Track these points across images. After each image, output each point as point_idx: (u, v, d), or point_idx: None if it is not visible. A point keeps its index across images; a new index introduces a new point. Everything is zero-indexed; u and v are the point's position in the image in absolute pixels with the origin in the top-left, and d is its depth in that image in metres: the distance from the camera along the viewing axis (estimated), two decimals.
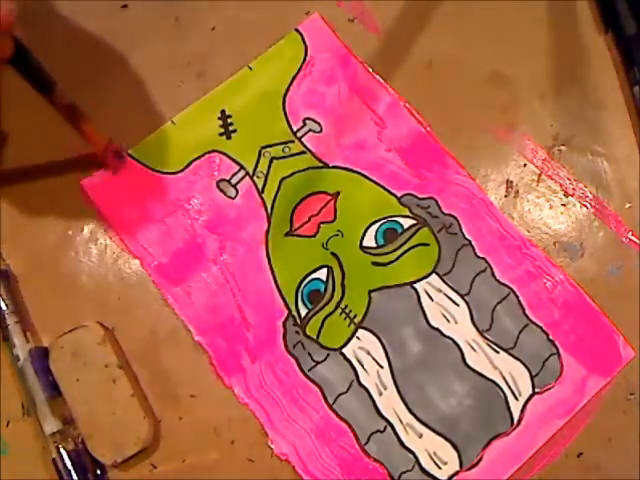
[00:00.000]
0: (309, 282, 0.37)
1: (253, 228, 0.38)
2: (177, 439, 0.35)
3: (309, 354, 0.36)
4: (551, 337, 0.35)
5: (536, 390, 0.35)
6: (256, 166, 0.39)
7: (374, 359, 0.35)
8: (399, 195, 0.38)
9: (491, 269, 0.37)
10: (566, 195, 0.38)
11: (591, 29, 0.41)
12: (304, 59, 0.41)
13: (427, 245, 0.37)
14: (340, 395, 0.35)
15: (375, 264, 0.37)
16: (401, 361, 0.35)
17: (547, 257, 0.37)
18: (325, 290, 0.36)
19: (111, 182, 0.39)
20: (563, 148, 0.39)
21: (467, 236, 0.37)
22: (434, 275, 0.37)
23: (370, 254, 0.37)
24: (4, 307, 0.36)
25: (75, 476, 0.34)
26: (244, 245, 0.38)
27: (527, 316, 0.36)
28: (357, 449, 0.34)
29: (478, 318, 0.36)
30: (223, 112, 0.40)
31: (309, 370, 0.35)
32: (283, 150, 0.39)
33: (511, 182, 0.39)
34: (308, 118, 0.40)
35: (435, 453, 0.34)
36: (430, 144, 0.39)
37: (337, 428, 0.35)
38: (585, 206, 0.38)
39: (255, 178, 0.39)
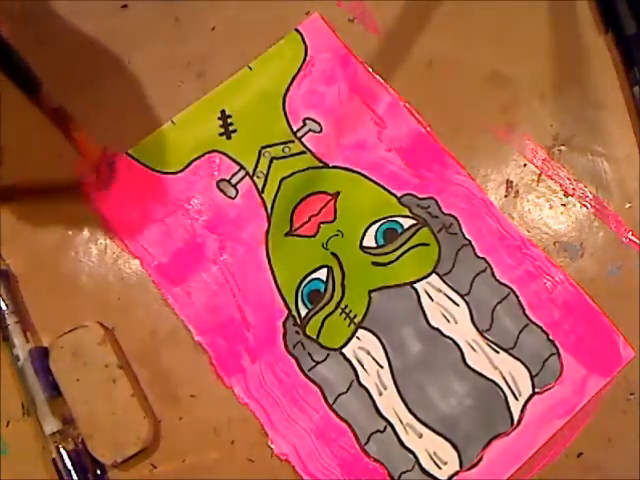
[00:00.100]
0: (309, 282, 0.37)
1: (253, 228, 0.38)
2: (177, 439, 0.35)
3: (309, 354, 0.36)
4: (551, 337, 0.35)
5: (536, 390, 0.35)
6: (256, 166, 0.39)
7: (374, 359, 0.35)
8: (399, 195, 0.38)
9: (491, 269, 0.37)
10: (566, 195, 0.38)
11: (591, 29, 0.41)
12: (304, 59, 0.41)
13: (427, 245, 0.37)
14: (340, 395, 0.35)
15: (375, 264, 0.37)
16: (401, 361, 0.35)
17: (547, 257, 0.37)
18: (325, 290, 0.36)
19: (112, 184, 0.39)
20: (563, 148, 0.39)
21: (467, 236, 0.37)
22: (434, 275, 0.37)
23: (370, 254, 0.37)
24: (4, 307, 0.36)
25: (75, 476, 0.34)
26: (244, 245, 0.38)
27: (527, 316, 0.36)
28: (357, 449, 0.34)
29: (478, 318, 0.36)
30: (223, 112, 0.40)
31: (309, 370, 0.35)
32: (283, 150, 0.39)
33: (511, 182, 0.39)
34: (308, 118, 0.40)
35: (435, 453, 0.34)
36: (430, 144, 0.39)
37: (337, 428, 0.35)
38: (585, 206, 0.38)
39: (255, 178, 0.39)
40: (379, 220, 0.38)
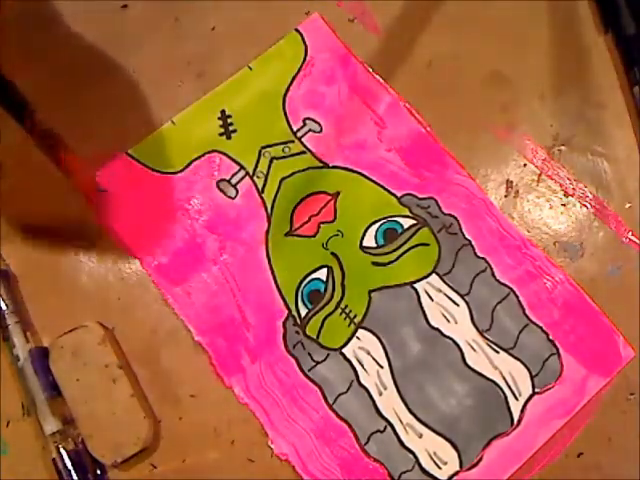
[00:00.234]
0: (309, 282, 0.37)
1: (253, 228, 0.38)
2: (177, 439, 0.35)
3: (309, 354, 0.36)
4: (551, 337, 0.35)
5: (536, 390, 0.35)
6: (256, 166, 0.39)
7: (374, 359, 0.35)
8: (399, 195, 0.38)
9: (491, 269, 0.37)
10: (566, 195, 0.38)
11: (591, 29, 0.41)
12: (304, 59, 0.41)
13: (427, 245, 0.37)
14: (340, 395, 0.35)
15: (375, 264, 0.37)
16: (401, 361, 0.35)
17: (547, 257, 0.37)
18: (325, 290, 0.36)
19: (111, 182, 0.39)
20: (563, 148, 0.39)
21: (467, 236, 0.37)
22: (434, 275, 0.37)
23: (370, 254, 0.37)
24: (4, 307, 0.36)
25: (75, 476, 0.34)
26: (244, 245, 0.38)
27: (527, 316, 0.36)
28: (357, 449, 0.34)
29: (478, 318, 0.36)
30: (223, 112, 0.40)
31: (309, 370, 0.35)
32: (283, 150, 0.39)
33: (511, 182, 0.39)
34: (308, 118, 0.40)
35: (435, 453, 0.34)
36: (430, 144, 0.39)
37: (337, 428, 0.35)
38: (585, 206, 0.38)
39: (255, 178, 0.39)
40: (379, 220, 0.38)
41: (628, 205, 0.38)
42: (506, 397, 0.35)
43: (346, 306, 0.36)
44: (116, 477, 0.35)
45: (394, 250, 0.37)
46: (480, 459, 0.34)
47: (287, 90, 0.40)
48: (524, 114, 0.40)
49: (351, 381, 0.35)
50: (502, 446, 0.34)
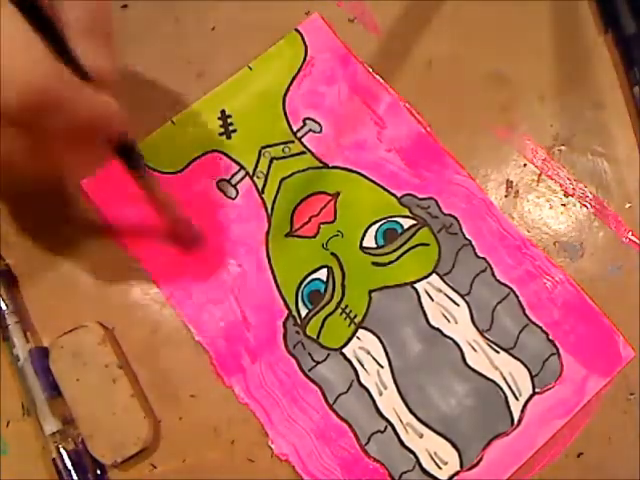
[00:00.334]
0: (309, 282, 0.37)
1: (253, 229, 0.38)
2: (177, 439, 0.35)
3: (309, 354, 0.36)
4: (551, 337, 0.35)
5: (536, 390, 0.35)
6: (256, 166, 0.39)
7: (374, 359, 0.35)
8: (399, 195, 0.38)
9: (491, 269, 0.37)
10: (566, 195, 0.38)
11: (591, 29, 0.41)
12: (304, 59, 0.41)
13: (427, 245, 0.37)
14: (340, 395, 0.35)
15: (375, 264, 0.37)
16: (401, 361, 0.35)
17: (547, 257, 0.37)
18: (325, 290, 0.36)
19: (111, 182, 0.39)
20: (563, 148, 0.39)
21: (467, 236, 0.37)
22: (434, 275, 0.37)
23: (370, 254, 0.37)
24: (4, 307, 0.36)
25: (75, 476, 0.34)
26: (244, 245, 0.38)
27: (527, 316, 0.36)
28: (357, 449, 0.34)
29: (478, 318, 0.36)
30: (223, 112, 0.40)
31: (309, 370, 0.35)
32: (283, 150, 0.39)
33: (511, 182, 0.39)
34: (308, 118, 0.40)
35: (436, 453, 0.34)
36: (430, 144, 0.39)
37: (337, 428, 0.35)
38: (585, 206, 0.38)
39: (255, 178, 0.39)
40: (379, 220, 0.38)
41: (628, 205, 0.38)
42: (506, 397, 0.35)
43: (346, 306, 0.36)
44: (116, 477, 0.35)
45: (394, 250, 0.37)
46: (480, 459, 0.34)
47: (287, 90, 0.40)
48: (524, 114, 0.40)
49: (351, 381, 0.35)
50: (502, 446, 0.34)
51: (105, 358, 0.35)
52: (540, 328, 0.36)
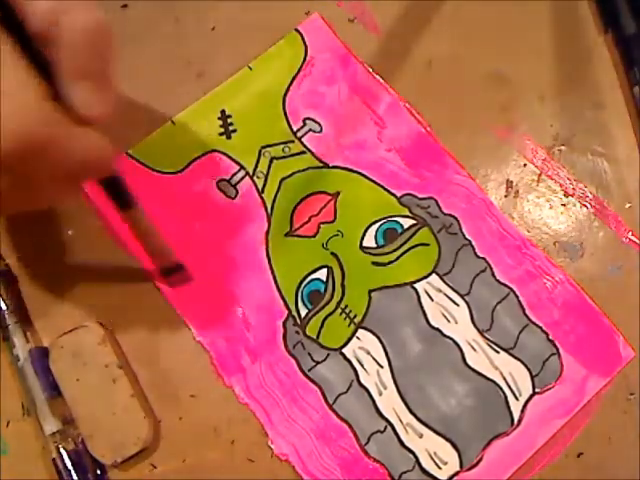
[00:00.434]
0: (309, 282, 0.37)
1: (253, 228, 0.38)
2: (177, 439, 0.35)
3: (309, 354, 0.36)
4: (551, 337, 0.35)
5: (536, 390, 0.35)
6: (256, 166, 0.39)
7: (374, 359, 0.35)
8: (399, 195, 0.38)
9: (491, 269, 0.37)
10: (566, 195, 0.38)
11: (591, 29, 0.41)
12: (304, 59, 0.41)
13: (427, 245, 0.37)
14: (340, 395, 0.35)
15: (375, 264, 0.37)
16: (401, 361, 0.35)
17: (547, 257, 0.37)
18: (325, 290, 0.36)
19: None
20: (563, 148, 0.39)
21: (467, 236, 0.37)
22: (434, 275, 0.37)
23: (370, 254, 0.37)
24: (4, 307, 0.36)
25: (75, 476, 0.34)
26: (244, 245, 0.38)
27: (527, 316, 0.36)
28: (357, 449, 0.34)
29: (478, 318, 0.36)
30: (223, 112, 0.40)
31: (309, 370, 0.35)
32: (283, 150, 0.39)
33: (511, 182, 0.39)
34: (308, 118, 0.40)
35: (435, 453, 0.34)
36: (430, 144, 0.39)
37: (337, 428, 0.35)
38: (585, 206, 0.38)
39: (255, 178, 0.39)
40: (379, 220, 0.38)
41: (628, 205, 0.38)
42: (506, 397, 0.35)
43: (346, 306, 0.36)
44: (116, 477, 0.35)
45: (394, 250, 0.37)
46: (480, 459, 0.34)
47: (287, 90, 0.40)
48: (524, 114, 0.40)
49: (351, 381, 0.35)
50: (502, 446, 0.34)
51: (105, 358, 0.35)
52: (540, 328, 0.36)
